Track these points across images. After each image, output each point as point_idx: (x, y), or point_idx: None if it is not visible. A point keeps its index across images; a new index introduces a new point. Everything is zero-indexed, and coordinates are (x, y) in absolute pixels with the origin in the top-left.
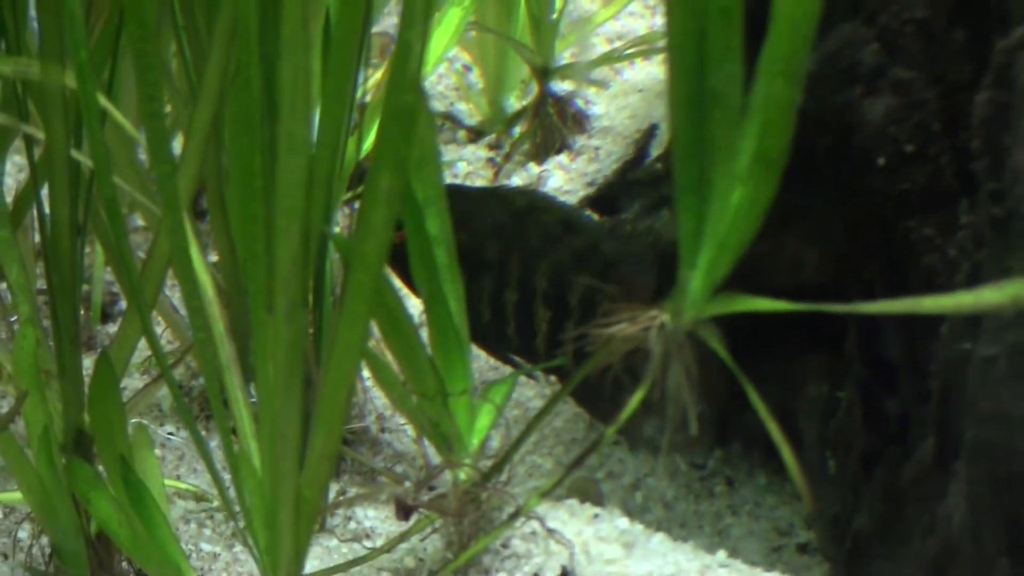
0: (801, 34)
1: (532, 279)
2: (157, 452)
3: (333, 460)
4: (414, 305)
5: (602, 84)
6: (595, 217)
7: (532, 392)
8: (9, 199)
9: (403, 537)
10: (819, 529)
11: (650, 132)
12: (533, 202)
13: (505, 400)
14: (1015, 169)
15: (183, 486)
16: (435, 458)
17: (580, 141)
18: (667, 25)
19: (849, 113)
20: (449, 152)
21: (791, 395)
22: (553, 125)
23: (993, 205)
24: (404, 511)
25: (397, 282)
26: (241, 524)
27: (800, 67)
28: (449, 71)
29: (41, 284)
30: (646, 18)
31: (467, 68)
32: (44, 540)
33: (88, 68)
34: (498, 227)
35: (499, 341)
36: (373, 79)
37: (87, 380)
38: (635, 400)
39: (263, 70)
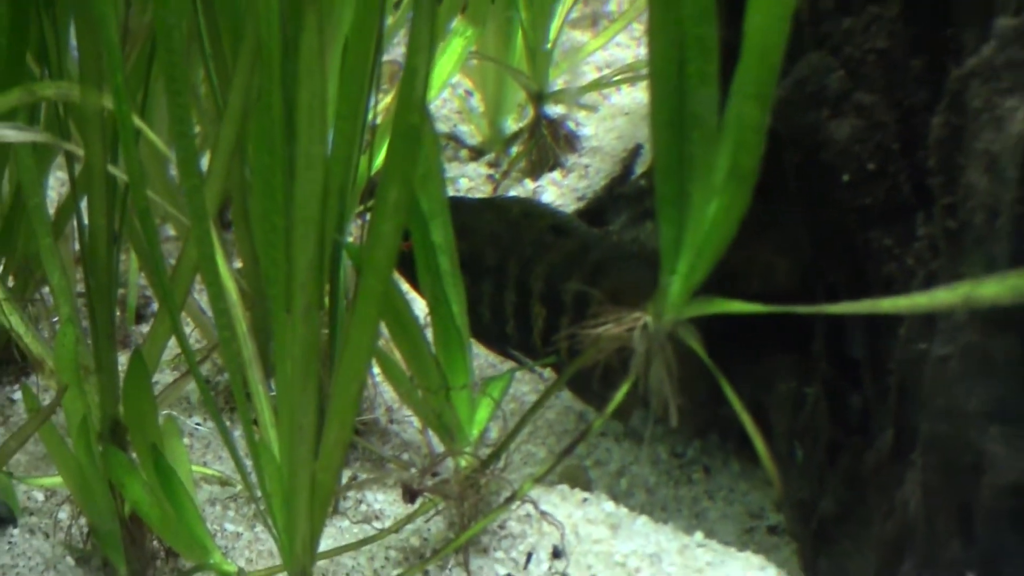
0: (769, 62)
1: (528, 281)
2: (185, 441)
3: (345, 448)
4: (420, 307)
5: (592, 108)
6: None
7: (527, 387)
8: (52, 211)
9: (409, 519)
10: (788, 512)
11: (635, 151)
12: (526, 210)
13: (503, 394)
14: (967, 186)
15: (209, 472)
16: (438, 447)
17: (571, 159)
18: (649, 54)
19: (816, 133)
20: (452, 169)
21: (763, 391)
22: (547, 145)
23: (947, 218)
24: (410, 495)
25: (405, 286)
26: (262, 506)
27: (769, 91)
28: (452, 96)
29: (80, 288)
30: (632, 48)
31: (469, 93)
32: (82, 521)
33: (124, 91)
34: (495, 235)
35: (500, 339)
36: (383, 103)
37: (122, 375)
38: (620, 395)
39: (283, 95)
